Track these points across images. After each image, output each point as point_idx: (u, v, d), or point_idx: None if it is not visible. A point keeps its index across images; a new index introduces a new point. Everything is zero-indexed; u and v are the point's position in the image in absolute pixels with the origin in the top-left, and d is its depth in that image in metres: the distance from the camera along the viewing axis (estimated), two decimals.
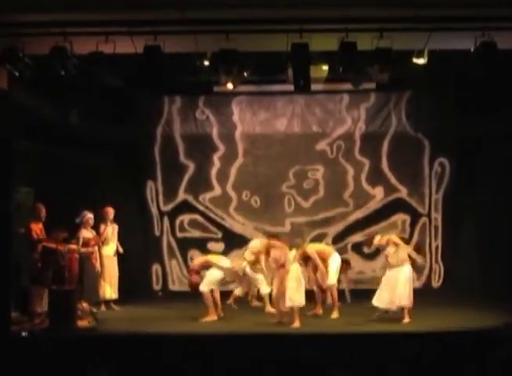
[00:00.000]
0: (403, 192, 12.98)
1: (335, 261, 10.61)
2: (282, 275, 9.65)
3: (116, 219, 11.63)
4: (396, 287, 9.79)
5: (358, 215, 12.93)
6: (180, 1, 8.23)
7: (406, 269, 9.91)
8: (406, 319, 9.74)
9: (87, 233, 10.99)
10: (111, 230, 11.50)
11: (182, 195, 13.06)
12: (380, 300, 9.90)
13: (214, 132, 13.08)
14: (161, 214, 13.06)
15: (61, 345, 8.21)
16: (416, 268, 10.86)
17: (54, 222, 10.37)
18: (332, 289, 10.54)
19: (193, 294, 10.46)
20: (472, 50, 8.58)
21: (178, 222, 12.93)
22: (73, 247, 10.34)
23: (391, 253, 9.98)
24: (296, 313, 9.56)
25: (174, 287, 12.74)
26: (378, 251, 11.63)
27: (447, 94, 12.17)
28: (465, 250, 12.54)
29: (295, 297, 9.54)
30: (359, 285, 12.32)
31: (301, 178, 13.04)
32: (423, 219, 12.97)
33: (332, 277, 10.49)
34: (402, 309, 9.82)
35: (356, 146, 13.02)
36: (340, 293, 11.21)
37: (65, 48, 8.58)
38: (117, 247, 11.51)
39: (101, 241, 11.30)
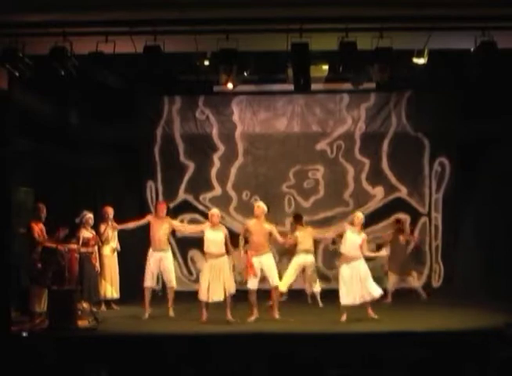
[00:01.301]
0: (403, 191, 12.99)
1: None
2: None
3: (116, 219, 11.63)
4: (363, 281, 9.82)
5: None
6: (180, 0, 8.23)
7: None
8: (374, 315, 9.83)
9: (87, 233, 10.99)
10: (111, 230, 11.50)
11: (182, 195, 13.07)
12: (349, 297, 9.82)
13: (214, 132, 13.09)
14: None
15: (61, 345, 8.21)
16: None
17: (54, 222, 10.37)
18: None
19: (193, 295, 10.46)
20: (472, 50, 8.58)
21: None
22: (73, 246, 10.33)
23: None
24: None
25: None
26: (378, 250, 11.60)
27: (447, 94, 12.17)
28: (465, 250, 12.53)
29: None
30: None
31: (301, 178, 13.05)
32: (423, 219, 12.97)
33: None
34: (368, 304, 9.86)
35: (356, 146, 13.03)
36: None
37: (65, 48, 8.58)
38: (116, 246, 11.52)
39: (101, 241, 11.32)
